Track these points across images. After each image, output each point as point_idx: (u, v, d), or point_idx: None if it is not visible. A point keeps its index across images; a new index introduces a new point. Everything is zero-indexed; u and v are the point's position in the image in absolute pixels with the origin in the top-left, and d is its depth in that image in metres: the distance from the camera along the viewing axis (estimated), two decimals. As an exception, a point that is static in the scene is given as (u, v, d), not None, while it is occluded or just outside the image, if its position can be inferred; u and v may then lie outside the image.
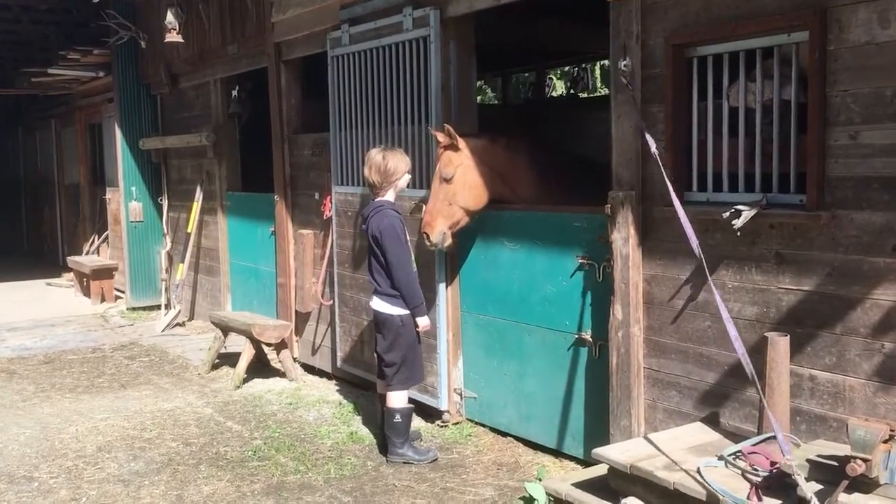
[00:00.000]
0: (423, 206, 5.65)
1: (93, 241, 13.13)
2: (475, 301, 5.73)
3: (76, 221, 14.25)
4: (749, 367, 3.52)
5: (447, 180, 5.23)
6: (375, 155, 5.30)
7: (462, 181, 5.25)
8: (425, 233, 5.26)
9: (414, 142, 5.86)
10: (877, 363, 3.53)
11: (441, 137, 5.29)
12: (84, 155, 13.56)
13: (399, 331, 5.25)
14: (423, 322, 5.28)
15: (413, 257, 5.36)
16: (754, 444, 3.61)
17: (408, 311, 5.24)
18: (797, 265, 3.79)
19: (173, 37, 8.86)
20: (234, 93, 9.06)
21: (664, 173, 4.08)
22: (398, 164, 5.26)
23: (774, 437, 3.58)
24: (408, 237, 5.34)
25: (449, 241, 5.36)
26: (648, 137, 4.18)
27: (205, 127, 9.26)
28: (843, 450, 3.16)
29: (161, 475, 5.12)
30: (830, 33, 3.57)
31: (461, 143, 5.24)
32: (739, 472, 3.47)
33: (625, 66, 4.38)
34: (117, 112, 10.73)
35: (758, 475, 3.43)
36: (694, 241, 3.87)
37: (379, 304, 5.30)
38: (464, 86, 5.76)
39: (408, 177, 5.38)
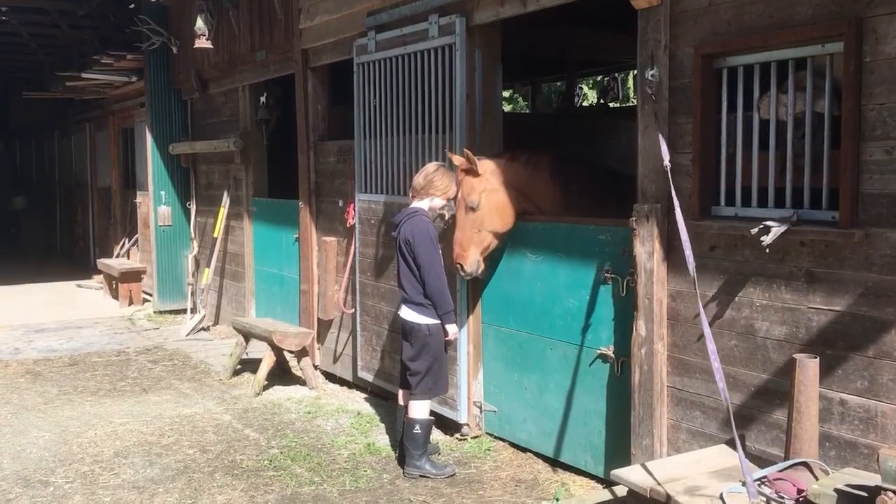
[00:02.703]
0: (445, 216, 5.59)
1: (123, 244, 13.27)
2: (497, 313, 5.63)
3: (108, 224, 14.43)
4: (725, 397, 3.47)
5: (473, 209, 5.16)
6: (432, 164, 5.41)
7: (488, 207, 5.18)
8: (459, 264, 5.19)
9: (438, 150, 5.80)
10: (911, 389, 3.38)
11: (458, 161, 5.21)
12: (116, 159, 13.73)
13: (426, 340, 5.20)
14: (452, 329, 5.23)
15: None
16: (780, 470, 3.47)
17: (436, 321, 5.18)
18: (828, 284, 3.65)
19: (203, 43, 8.92)
20: (262, 99, 9.08)
21: (671, 189, 3.99)
22: (446, 182, 5.26)
23: (802, 464, 3.45)
24: (438, 244, 5.29)
25: (483, 266, 5.30)
26: (664, 148, 4.06)
27: (233, 133, 9.29)
28: (873, 479, 3.01)
29: (176, 483, 5.09)
30: (866, 44, 3.44)
31: (480, 167, 5.17)
32: (764, 499, 3.34)
33: (652, 76, 4.27)
34: (148, 117, 10.83)
35: (783, 503, 3.30)
36: (690, 261, 3.83)
37: (407, 313, 5.24)
38: (489, 94, 5.69)
39: (444, 202, 5.34)
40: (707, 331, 3.72)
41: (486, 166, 5.21)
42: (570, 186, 5.37)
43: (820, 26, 3.60)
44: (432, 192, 5.26)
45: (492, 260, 5.62)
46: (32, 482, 5.14)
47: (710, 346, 3.67)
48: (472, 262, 5.19)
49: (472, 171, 5.16)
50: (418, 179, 5.30)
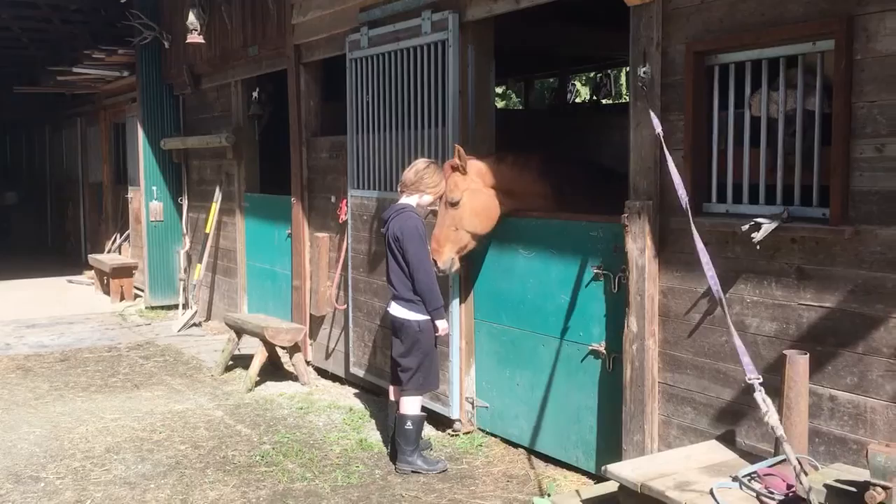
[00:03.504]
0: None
1: (114, 240, 13.22)
2: (489, 309, 5.64)
3: (99, 220, 14.37)
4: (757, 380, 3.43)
5: (453, 205, 5.17)
6: (422, 160, 5.39)
7: (468, 206, 5.19)
8: (433, 259, 5.20)
9: (431, 146, 5.80)
10: (900, 385, 3.40)
11: (458, 158, 5.18)
12: (107, 154, 13.67)
13: (417, 336, 5.20)
14: (441, 325, 5.23)
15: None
16: (770, 466, 3.49)
17: (426, 317, 5.18)
18: (819, 281, 3.67)
19: (195, 38, 8.89)
20: (255, 94, 9.05)
21: (666, 156, 3.96)
22: (436, 179, 5.25)
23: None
24: (427, 240, 5.29)
25: (457, 265, 5.34)
26: (655, 121, 4.06)
27: (225, 128, 9.27)
28: (862, 475, 3.03)
29: (167, 478, 5.08)
30: (857, 42, 3.45)
31: (468, 166, 5.17)
32: (754, 494, 3.36)
33: (644, 73, 4.28)
34: (140, 112, 10.79)
35: (773, 498, 3.32)
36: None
37: (397, 310, 5.24)
38: (482, 90, 5.68)
39: (433, 199, 5.32)
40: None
41: (473, 166, 5.21)
42: (561, 186, 5.36)
43: (811, 24, 3.62)
44: (422, 188, 5.25)
45: (483, 256, 5.64)
46: (23, 478, 5.13)
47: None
48: (445, 259, 5.20)
49: (459, 169, 5.16)
50: (408, 175, 5.30)
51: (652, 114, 4.13)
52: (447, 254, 5.21)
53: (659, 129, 4.07)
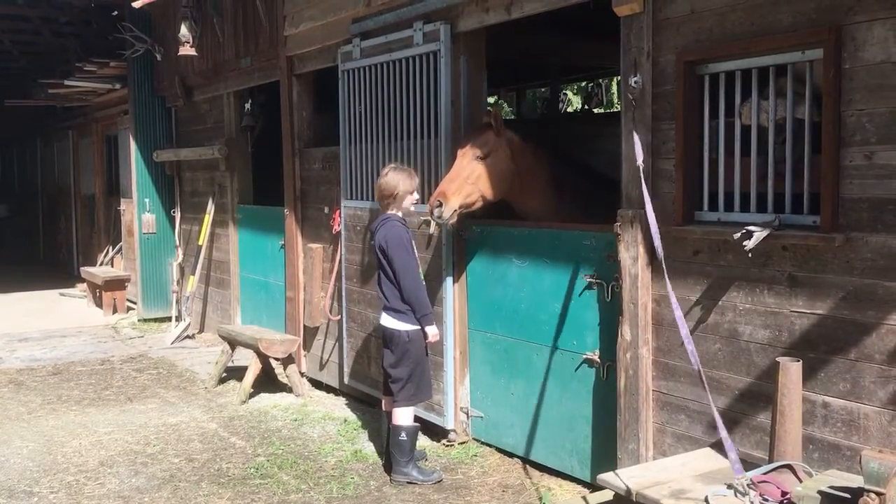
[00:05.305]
0: (431, 223, 5.61)
1: (107, 252, 13.18)
2: (483, 318, 5.65)
3: (91, 232, 14.33)
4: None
5: (481, 158, 5.10)
6: (383, 170, 5.36)
7: (493, 166, 5.14)
8: (439, 201, 5.01)
9: (423, 156, 5.81)
10: (892, 391, 3.42)
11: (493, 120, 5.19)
12: (100, 166, 13.65)
13: (406, 346, 5.19)
14: (431, 331, 5.21)
15: (420, 270, 5.32)
16: (765, 473, 3.50)
17: (415, 327, 5.17)
18: (810, 288, 3.69)
19: (187, 50, 8.90)
20: (247, 106, 9.07)
21: (643, 185, 4.02)
22: (398, 181, 5.20)
23: (785, 466, 3.49)
24: (415, 250, 5.29)
25: (454, 221, 5.15)
26: (638, 149, 4.09)
27: (217, 140, 9.28)
28: (856, 481, 3.05)
29: (161, 492, 5.06)
30: (845, 51, 3.49)
31: (502, 130, 5.19)
32: (749, 501, 3.37)
33: (635, 82, 4.30)
34: (132, 124, 10.78)
35: (767, 506, 3.33)
36: (655, 231, 3.92)
37: (387, 320, 5.24)
38: (474, 100, 5.71)
39: (411, 197, 5.29)
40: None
41: (507, 133, 5.23)
42: (565, 190, 5.40)
43: (800, 33, 3.65)
44: (393, 193, 5.19)
45: (477, 265, 5.65)
46: (17, 492, 5.10)
47: (683, 329, 3.75)
48: (451, 207, 5.01)
49: (494, 129, 5.16)
50: (378, 193, 5.27)
51: (636, 141, 4.15)
52: (453, 202, 5.00)
53: (640, 160, 4.10)
